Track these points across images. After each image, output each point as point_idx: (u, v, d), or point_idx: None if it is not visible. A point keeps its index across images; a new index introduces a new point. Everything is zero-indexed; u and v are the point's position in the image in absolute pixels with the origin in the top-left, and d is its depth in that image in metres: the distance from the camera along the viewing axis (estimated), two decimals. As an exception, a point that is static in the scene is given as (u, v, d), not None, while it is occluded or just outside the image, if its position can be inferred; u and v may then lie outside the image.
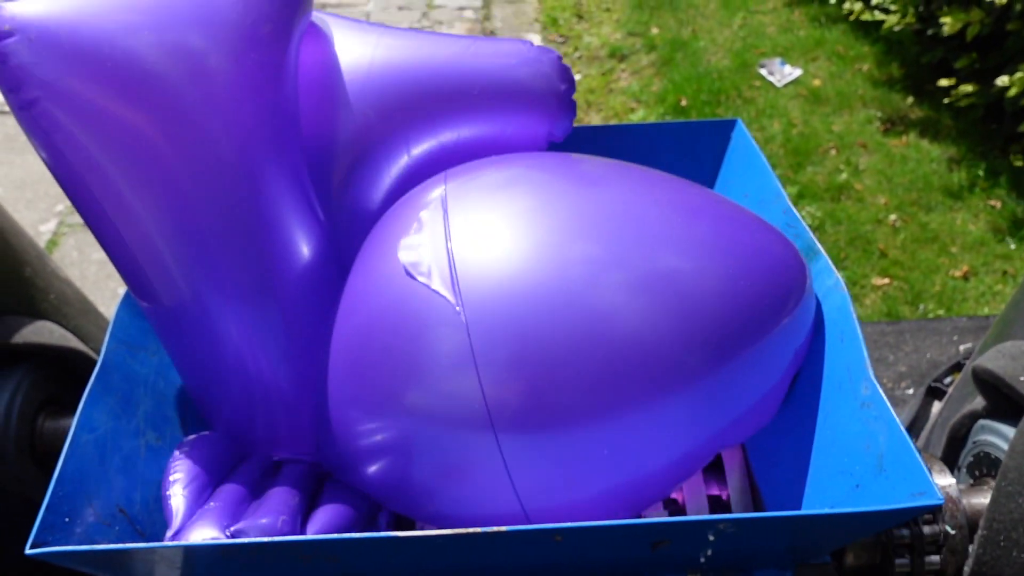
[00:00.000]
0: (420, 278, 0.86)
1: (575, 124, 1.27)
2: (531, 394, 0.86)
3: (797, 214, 1.27)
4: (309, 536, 0.94)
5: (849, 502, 0.98)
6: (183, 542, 0.89)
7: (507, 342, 0.84)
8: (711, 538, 0.89)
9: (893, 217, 3.44)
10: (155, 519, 1.04)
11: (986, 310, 3.05)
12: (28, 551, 0.85)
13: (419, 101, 1.07)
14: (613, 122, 4.08)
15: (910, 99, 3.99)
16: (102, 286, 3.32)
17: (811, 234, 1.24)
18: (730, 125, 1.46)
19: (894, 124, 3.91)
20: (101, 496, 0.98)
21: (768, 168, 1.36)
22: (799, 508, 1.07)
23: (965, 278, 3.19)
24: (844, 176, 3.64)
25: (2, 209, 1.56)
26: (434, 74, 1.06)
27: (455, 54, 1.09)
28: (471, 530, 0.85)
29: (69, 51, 0.82)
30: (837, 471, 1.02)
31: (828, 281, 1.18)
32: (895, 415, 0.95)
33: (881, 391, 0.99)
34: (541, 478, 0.89)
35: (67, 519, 0.91)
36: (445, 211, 0.93)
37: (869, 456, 0.97)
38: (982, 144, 3.69)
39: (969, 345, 1.85)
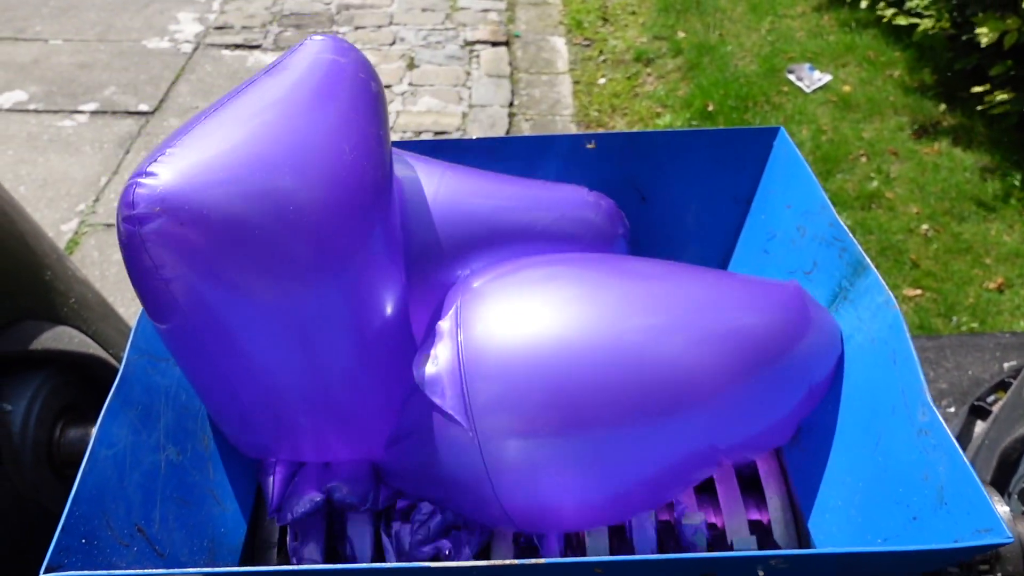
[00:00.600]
0: (435, 399, 0.93)
1: (605, 131, 1.23)
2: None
3: (844, 227, 1.21)
4: (334, 566, 0.89)
5: (906, 536, 0.92)
6: (202, 569, 0.85)
7: (520, 443, 0.92)
8: (761, 573, 0.84)
9: (925, 227, 3.37)
10: (175, 538, 1.00)
11: (1022, 324, 2.97)
12: (43, 575, 0.81)
13: (478, 241, 1.12)
14: (638, 127, 4.03)
15: (942, 106, 3.92)
16: (123, 287, 3.30)
17: (859, 248, 1.19)
18: (772, 133, 1.41)
19: (926, 131, 3.83)
20: (119, 514, 0.94)
21: (813, 178, 1.30)
22: (849, 538, 1.02)
23: (1000, 290, 3.11)
24: (875, 184, 3.57)
25: (23, 211, 1.53)
26: (492, 219, 1.14)
27: (514, 196, 1.17)
28: (508, 562, 0.80)
29: (218, 229, 0.81)
30: (892, 501, 0.97)
31: (878, 298, 1.13)
32: (957, 444, 0.90)
33: (941, 417, 0.94)
34: (530, 505, 0.98)
35: (83, 540, 0.87)
36: (457, 324, 0.96)
37: (928, 488, 0.92)
38: (1017, 152, 3.61)
39: (1015, 363, 1.78)
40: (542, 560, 0.79)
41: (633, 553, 1.08)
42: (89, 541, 0.88)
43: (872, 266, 1.15)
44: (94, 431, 0.96)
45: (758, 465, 1.24)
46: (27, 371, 1.34)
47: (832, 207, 1.24)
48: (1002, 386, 1.72)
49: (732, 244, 1.49)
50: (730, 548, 1.12)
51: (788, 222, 1.34)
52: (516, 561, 0.79)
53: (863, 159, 3.72)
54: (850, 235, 1.20)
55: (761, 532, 1.17)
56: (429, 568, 0.80)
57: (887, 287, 1.12)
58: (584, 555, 1.13)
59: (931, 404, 0.95)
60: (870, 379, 1.09)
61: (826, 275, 1.23)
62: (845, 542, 1.03)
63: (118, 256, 3.60)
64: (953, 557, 0.85)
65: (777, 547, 1.11)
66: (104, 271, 3.40)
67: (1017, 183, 3.47)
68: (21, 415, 1.28)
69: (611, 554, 1.13)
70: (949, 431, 0.91)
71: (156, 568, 0.95)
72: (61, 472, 1.31)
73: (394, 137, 4.00)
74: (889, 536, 0.95)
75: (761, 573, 0.84)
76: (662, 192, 1.46)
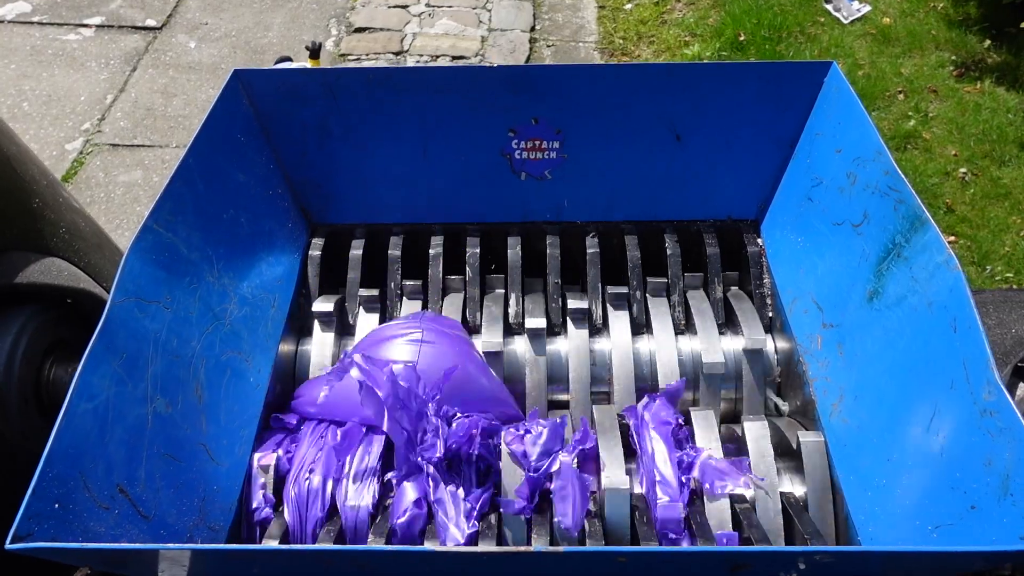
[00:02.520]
0: None
1: (630, 60, 1.11)
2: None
3: (902, 176, 1.10)
4: (332, 546, 0.81)
5: (963, 526, 0.83)
6: (188, 545, 0.77)
7: None
8: (802, 566, 0.76)
9: (963, 170, 3.22)
10: (161, 498, 0.92)
11: (1061, 276, 2.85)
12: (8, 545, 0.73)
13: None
14: (664, 57, 3.84)
15: (987, 42, 3.71)
16: (128, 210, 3.20)
17: (918, 200, 1.07)
18: (823, 68, 1.28)
19: (969, 69, 3.64)
20: (98, 474, 0.86)
21: (868, 121, 1.18)
22: (894, 522, 0.93)
23: (1038, 239, 2.97)
24: (912, 123, 3.40)
25: (9, 133, 1.43)
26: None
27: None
28: (523, 548, 0.72)
29: None
30: (946, 486, 0.88)
31: (938, 257, 1.02)
32: (1029, 429, 0.80)
33: (1008, 397, 0.84)
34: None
35: (57, 504, 0.79)
36: None
37: (991, 475, 0.82)
38: (1064, 94, 3.43)
39: (1064, 323, 1.67)
40: (561, 548, 0.71)
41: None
42: (63, 505, 0.80)
43: (932, 221, 1.04)
44: (72, 384, 0.87)
45: (787, 434, 1.15)
46: (12, 306, 1.25)
47: (889, 154, 1.13)
48: (1049, 347, 1.61)
49: (772, 190, 1.37)
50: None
51: (837, 168, 1.22)
52: (529, 548, 0.71)
53: (900, 96, 3.55)
54: (908, 186, 1.09)
55: (795, 507, 1.09)
56: (433, 552, 0.72)
57: (948, 246, 1.01)
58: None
59: (998, 382, 0.85)
60: (925, 347, 0.98)
61: (878, 228, 1.12)
62: (890, 526, 0.94)
63: (124, 177, 3.47)
64: (1019, 558, 0.76)
65: (811, 525, 1.03)
66: (109, 192, 3.30)
67: (1062, 126, 3.30)
68: (6, 353, 1.20)
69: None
70: (1020, 414, 0.81)
71: (138, 532, 0.87)
72: (50, 414, 1.24)
73: (409, 62, 3.84)
74: (942, 524, 0.86)
75: (803, 566, 0.76)
76: (699, 131, 1.34)
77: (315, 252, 1.40)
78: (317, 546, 0.77)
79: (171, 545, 0.74)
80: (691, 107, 1.31)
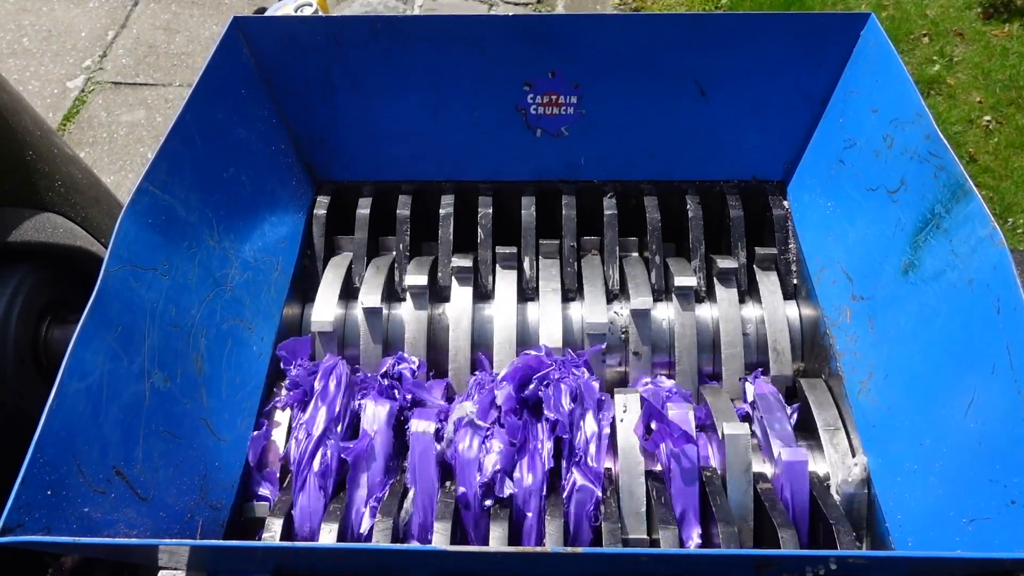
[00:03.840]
0: None
1: (650, 11, 1.03)
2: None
3: (944, 142, 1.03)
4: (337, 544, 0.77)
5: (1001, 522, 0.79)
6: (188, 540, 0.73)
7: None
8: (833, 567, 0.72)
9: (987, 118, 3.12)
10: (160, 478, 0.89)
11: (1086, 231, 2.77)
12: (-3, 539, 0.69)
13: None
14: (684, 1, 3.71)
15: (1018, -18, 3.58)
16: (132, 151, 3.13)
17: (961, 168, 1.01)
18: (860, 20, 1.20)
19: (996, 11, 3.51)
20: (93, 457, 0.82)
21: (908, 79, 1.11)
22: (926, 510, 0.89)
23: (1063, 192, 2.89)
24: (936, 68, 3.29)
25: (2, 81, 1.36)
26: None
27: None
28: (538, 549, 0.68)
29: None
30: (984, 479, 0.83)
31: (981, 231, 0.96)
32: (1078, 425, 0.75)
33: (1058, 389, 0.79)
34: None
35: (49, 491, 0.76)
36: None
37: (1035, 471, 0.78)
38: (1097, 38, 3.30)
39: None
40: (579, 549, 0.67)
41: None
42: (56, 492, 0.76)
43: (976, 191, 0.98)
44: (63, 363, 0.82)
45: (815, 414, 1.10)
46: (6, 264, 1.21)
47: (931, 117, 1.05)
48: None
49: (800, 150, 1.30)
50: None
51: (872, 129, 1.15)
52: (546, 549, 0.67)
53: (925, 40, 3.43)
54: (951, 152, 1.02)
55: (819, 488, 1.04)
56: (445, 552, 0.68)
57: (992, 218, 0.95)
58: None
59: (1047, 371, 0.80)
60: (964, 327, 0.93)
61: (916, 196, 1.06)
62: (921, 514, 0.90)
63: (127, 117, 3.38)
64: (1065, 562, 0.72)
65: (837, 509, 0.99)
66: (112, 132, 3.23)
67: (1094, 73, 3.18)
68: (0, 313, 1.17)
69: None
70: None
71: (136, 515, 0.84)
72: (48, 374, 1.20)
73: (418, -2, 3.72)
74: (978, 518, 0.82)
75: (834, 567, 0.72)
76: (725, 86, 1.27)
77: (320, 211, 1.34)
78: (322, 544, 0.73)
79: (169, 540, 0.70)
80: (717, 61, 1.24)
